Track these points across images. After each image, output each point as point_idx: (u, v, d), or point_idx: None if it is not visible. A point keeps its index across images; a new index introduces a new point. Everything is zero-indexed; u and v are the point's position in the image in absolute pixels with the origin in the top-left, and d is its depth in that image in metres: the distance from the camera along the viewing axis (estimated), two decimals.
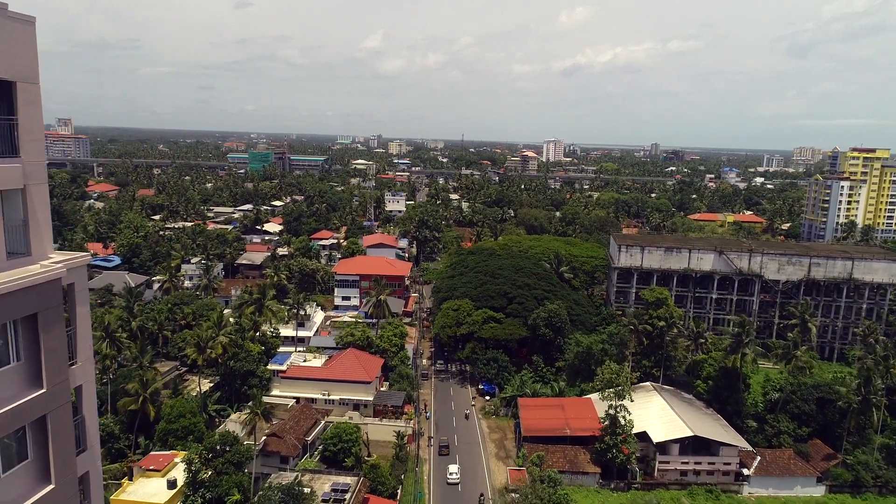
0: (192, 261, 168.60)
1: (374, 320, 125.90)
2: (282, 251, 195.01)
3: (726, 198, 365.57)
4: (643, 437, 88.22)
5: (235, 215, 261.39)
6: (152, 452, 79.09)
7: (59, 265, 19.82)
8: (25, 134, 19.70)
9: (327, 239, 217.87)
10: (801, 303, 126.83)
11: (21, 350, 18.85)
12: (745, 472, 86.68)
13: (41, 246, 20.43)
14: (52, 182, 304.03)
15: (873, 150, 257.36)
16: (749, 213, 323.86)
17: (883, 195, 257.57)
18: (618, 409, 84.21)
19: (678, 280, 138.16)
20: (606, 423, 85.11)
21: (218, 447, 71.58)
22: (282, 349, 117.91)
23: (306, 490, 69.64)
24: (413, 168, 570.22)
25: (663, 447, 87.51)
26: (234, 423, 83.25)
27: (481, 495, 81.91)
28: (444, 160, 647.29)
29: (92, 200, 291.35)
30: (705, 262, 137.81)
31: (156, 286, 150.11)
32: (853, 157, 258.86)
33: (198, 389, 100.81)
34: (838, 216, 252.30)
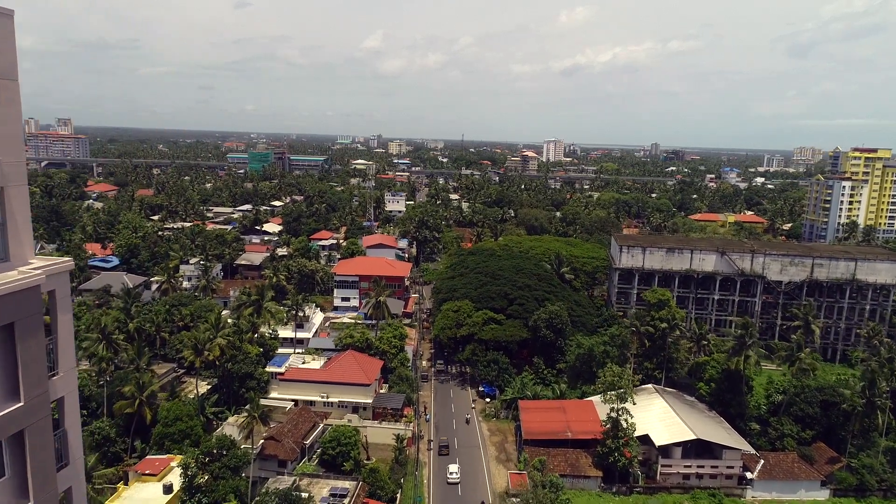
0: (191, 261, 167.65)
1: (374, 321, 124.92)
2: (281, 251, 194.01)
3: (727, 198, 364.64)
4: (645, 440, 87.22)
5: (235, 215, 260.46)
6: (148, 456, 78.13)
7: (38, 271, 18.86)
8: (4, 134, 18.74)
9: (327, 239, 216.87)
10: (804, 304, 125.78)
11: None
12: (749, 475, 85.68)
13: (20, 251, 19.48)
14: (51, 182, 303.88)
15: (875, 151, 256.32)
16: (750, 213, 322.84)
17: (884, 195, 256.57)
18: (620, 412, 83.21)
19: (680, 281, 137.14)
20: (608, 426, 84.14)
21: (215, 451, 70.60)
22: (280, 351, 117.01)
23: (304, 495, 68.76)
24: (413, 168, 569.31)
25: (666, 450, 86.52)
26: (231, 427, 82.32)
27: (482, 503, 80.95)
28: (444, 160, 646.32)
29: (91, 201, 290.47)
30: (707, 262, 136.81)
31: (154, 287, 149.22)
32: (855, 158, 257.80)
33: (195, 392, 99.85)
34: (840, 216, 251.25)
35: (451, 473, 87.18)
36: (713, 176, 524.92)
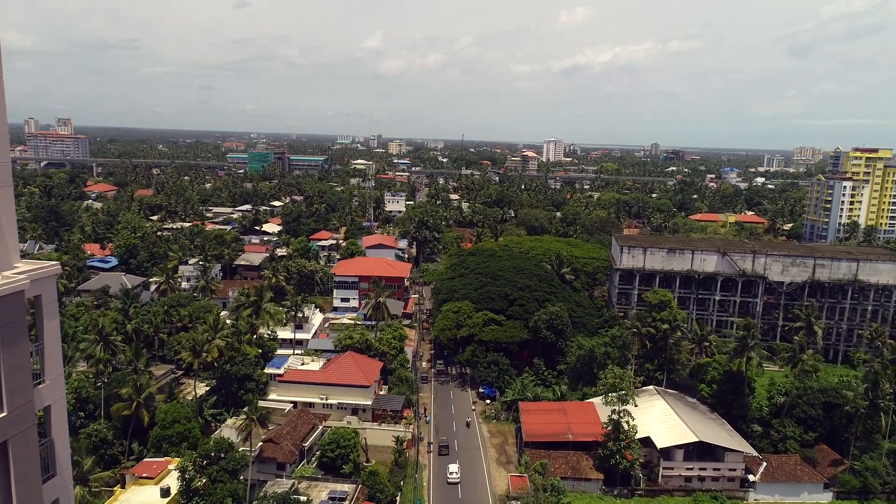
0: (190, 262, 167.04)
1: (373, 322, 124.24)
2: (280, 252, 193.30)
3: (727, 198, 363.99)
4: (647, 442, 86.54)
5: (234, 216, 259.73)
6: (146, 459, 77.48)
7: (23, 276, 18.18)
8: None
9: (326, 240, 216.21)
10: (806, 305, 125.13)
11: None
12: (751, 478, 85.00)
13: (5, 255, 18.82)
14: (51, 182, 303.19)
15: (876, 151, 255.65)
16: (751, 213, 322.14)
17: (885, 196, 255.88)
18: (621, 415, 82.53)
19: (681, 282, 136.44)
20: (609, 428, 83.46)
21: (213, 454, 69.87)
22: (279, 352, 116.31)
23: (303, 498, 68.15)
24: (413, 168, 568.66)
25: (667, 453, 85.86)
26: (229, 429, 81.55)
27: None
28: (444, 160, 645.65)
29: (90, 201, 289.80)
30: (708, 263, 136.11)
31: (153, 287, 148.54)
32: (856, 158, 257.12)
33: (193, 393, 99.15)
34: (841, 217, 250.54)
35: (451, 473, 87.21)
36: (713, 176, 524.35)
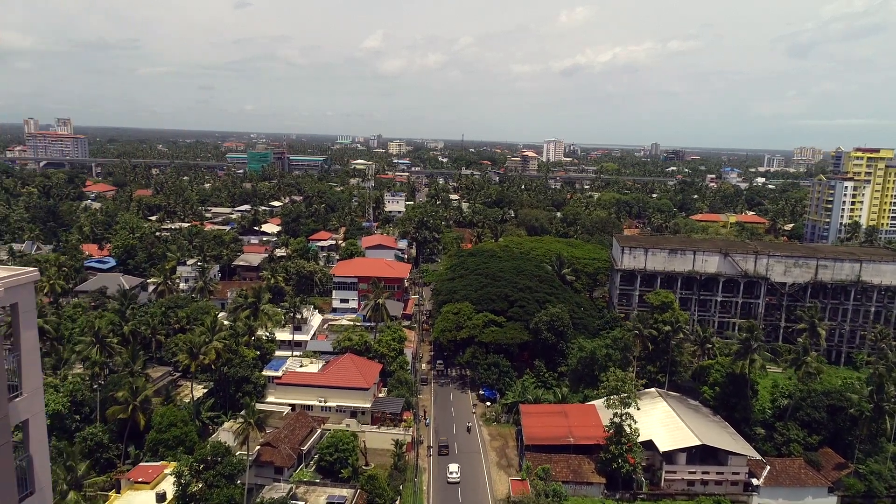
0: (188, 262, 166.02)
1: (373, 324, 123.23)
2: (280, 252, 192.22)
3: (728, 198, 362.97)
4: (649, 445, 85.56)
5: (233, 216, 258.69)
6: (142, 463, 76.43)
7: None
8: None
9: (326, 240, 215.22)
10: (809, 306, 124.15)
11: None
12: (755, 481, 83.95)
13: None
14: (49, 182, 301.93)
15: (877, 151, 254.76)
16: (751, 213, 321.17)
17: (887, 196, 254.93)
18: (623, 418, 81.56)
19: (682, 282, 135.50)
20: (611, 431, 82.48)
21: (209, 458, 68.88)
22: (278, 353, 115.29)
23: (300, 503, 67.05)
24: (413, 168, 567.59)
25: (670, 456, 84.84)
26: (227, 433, 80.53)
27: None
28: (444, 160, 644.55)
29: (89, 201, 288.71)
30: (710, 264, 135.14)
31: (151, 288, 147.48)
32: (857, 158, 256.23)
33: (191, 396, 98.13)
34: (842, 217, 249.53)
35: (451, 473, 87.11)
36: (714, 176, 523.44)
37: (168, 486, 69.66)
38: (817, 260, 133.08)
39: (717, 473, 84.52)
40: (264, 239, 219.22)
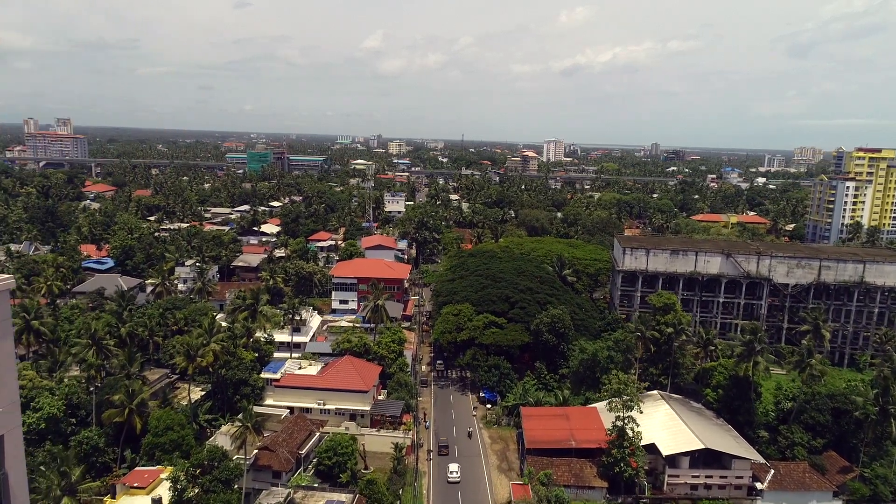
0: (187, 263, 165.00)
1: (372, 325, 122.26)
2: (279, 253, 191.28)
3: (729, 198, 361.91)
4: (651, 449, 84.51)
5: (233, 216, 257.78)
6: (137, 468, 75.43)
7: None
8: None
9: (325, 240, 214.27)
10: (812, 308, 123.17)
11: None
12: (759, 486, 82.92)
13: None
14: (48, 182, 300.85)
15: (879, 151, 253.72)
16: (752, 213, 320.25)
17: (889, 196, 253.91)
18: (626, 421, 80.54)
19: (684, 283, 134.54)
20: (614, 434, 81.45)
21: (205, 463, 67.90)
22: (277, 355, 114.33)
23: None
24: (413, 168, 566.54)
25: (673, 460, 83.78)
26: (224, 436, 79.53)
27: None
28: (444, 160, 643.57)
29: (88, 201, 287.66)
30: (712, 265, 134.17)
31: (149, 289, 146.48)
32: (858, 158, 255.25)
33: (188, 398, 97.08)
34: (843, 217, 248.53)
35: (451, 473, 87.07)
36: (714, 176, 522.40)
37: (164, 491, 68.71)
38: (820, 261, 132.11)
39: (721, 477, 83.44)
40: (263, 239, 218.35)
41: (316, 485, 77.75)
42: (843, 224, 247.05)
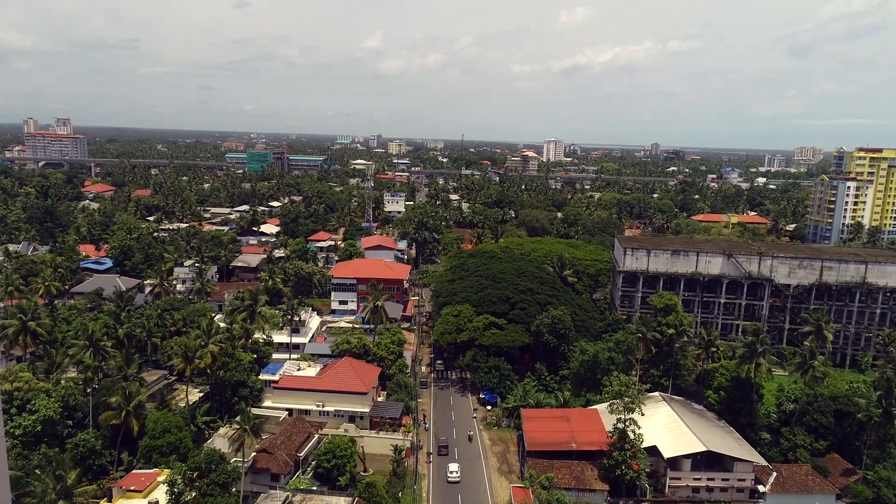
0: (186, 264, 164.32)
1: (372, 326, 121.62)
2: (278, 253, 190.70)
3: (729, 198, 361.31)
4: (653, 451, 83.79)
5: (232, 216, 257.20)
6: (134, 471, 74.74)
7: None
8: None
9: (325, 241, 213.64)
10: (815, 309, 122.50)
11: None
12: (761, 488, 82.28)
13: None
14: (47, 182, 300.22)
15: (880, 151, 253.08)
16: (753, 213, 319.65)
17: (890, 196, 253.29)
18: (627, 423, 79.86)
19: (685, 284, 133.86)
20: (615, 437, 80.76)
21: (203, 466, 67.21)
22: (276, 356, 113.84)
23: None
24: (413, 168, 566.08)
25: (674, 463, 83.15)
26: (222, 439, 78.89)
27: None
28: (444, 160, 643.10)
29: (87, 201, 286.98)
30: (713, 265, 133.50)
31: (147, 290, 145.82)
32: (859, 158, 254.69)
33: (186, 400, 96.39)
34: (844, 217, 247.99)
35: (451, 473, 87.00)
36: (714, 176, 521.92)
37: (161, 495, 68.09)
38: (822, 261, 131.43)
39: (723, 480, 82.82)
40: (263, 240, 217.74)
41: (315, 488, 77.14)
42: (844, 224, 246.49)
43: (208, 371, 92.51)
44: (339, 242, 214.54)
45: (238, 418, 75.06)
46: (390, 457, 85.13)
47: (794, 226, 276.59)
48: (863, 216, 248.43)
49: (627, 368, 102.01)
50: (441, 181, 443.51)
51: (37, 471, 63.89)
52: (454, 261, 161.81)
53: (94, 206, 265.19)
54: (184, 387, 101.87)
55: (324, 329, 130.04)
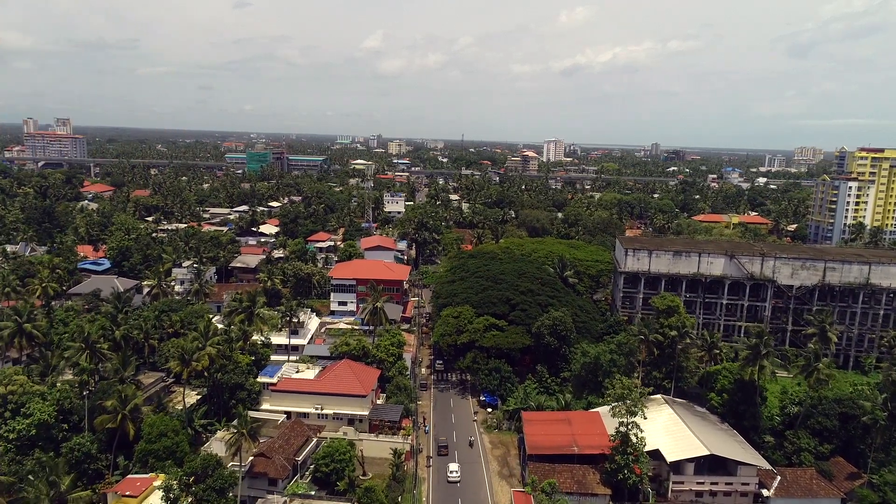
0: (184, 264, 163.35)
1: (371, 328, 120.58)
2: (277, 254, 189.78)
3: (730, 198, 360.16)
4: (655, 454, 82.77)
5: (231, 216, 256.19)
6: (130, 476, 73.70)
7: None
8: None
9: (324, 241, 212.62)
10: (819, 310, 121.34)
11: None
12: (765, 492, 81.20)
13: None
14: (46, 183, 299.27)
15: (882, 151, 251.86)
16: (754, 213, 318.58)
17: (892, 196, 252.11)
18: (629, 427, 78.82)
19: (687, 285, 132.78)
20: (617, 440, 79.73)
21: (199, 471, 66.17)
22: (275, 357, 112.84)
23: None
24: (413, 168, 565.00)
25: (677, 466, 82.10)
26: (219, 443, 77.87)
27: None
28: (444, 160, 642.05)
29: (86, 202, 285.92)
30: (715, 266, 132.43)
31: (145, 291, 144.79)
32: (861, 158, 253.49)
33: (183, 403, 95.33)
34: (846, 217, 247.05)
35: (451, 473, 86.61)
36: (715, 176, 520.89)
37: (156, 500, 66.99)
38: (825, 262, 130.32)
39: (727, 484, 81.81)
40: (262, 240, 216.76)
41: (313, 493, 76.14)
42: (845, 224, 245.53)
43: (206, 373, 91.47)
44: (338, 243, 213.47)
45: (235, 422, 74.02)
46: (390, 460, 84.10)
47: (795, 226, 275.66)
48: (864, 216, 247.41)
49: (629, 370, 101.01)
50: (441, 181, 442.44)
51: (30, 476, 62.79)
52: (454, 261, 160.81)
53: (93, 206, 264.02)
54: (181, 389, 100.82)
55: (323, 331, 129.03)
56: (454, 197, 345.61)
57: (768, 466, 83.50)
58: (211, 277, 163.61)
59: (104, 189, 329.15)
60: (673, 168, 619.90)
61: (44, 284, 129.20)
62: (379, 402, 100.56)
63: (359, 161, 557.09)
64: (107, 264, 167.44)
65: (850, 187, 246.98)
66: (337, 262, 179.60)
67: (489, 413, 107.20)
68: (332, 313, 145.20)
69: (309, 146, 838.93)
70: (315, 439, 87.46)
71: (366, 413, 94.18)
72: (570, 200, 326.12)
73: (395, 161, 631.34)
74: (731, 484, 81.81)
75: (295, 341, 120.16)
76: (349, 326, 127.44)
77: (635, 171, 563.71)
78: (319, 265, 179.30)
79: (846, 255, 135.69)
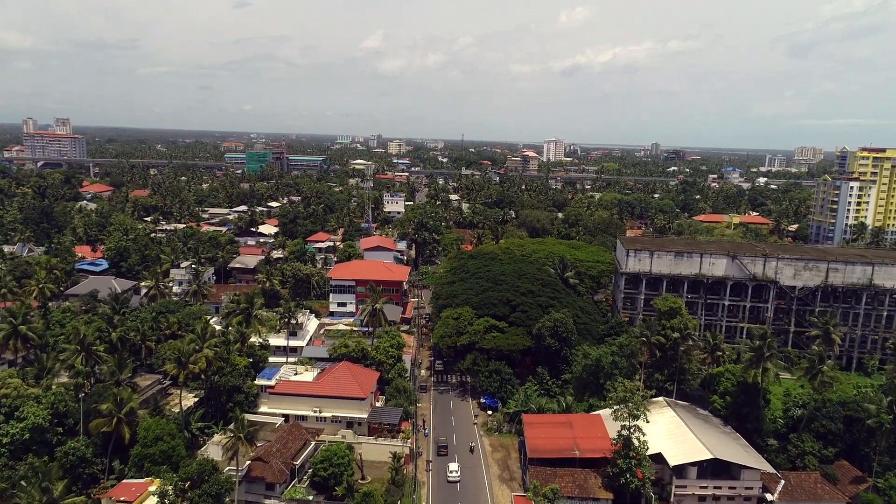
0: (183, 265, 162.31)
1: (370, 329, 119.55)
2: (276, 254, 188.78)
3: (731, 198, 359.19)
4: (658, 458, 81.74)
5: (231, 217, 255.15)
6: (125, 480, 72.68)
7: None
8: None
9: (323, 241, 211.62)
10: (822, 312, 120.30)
11: None
12: (769, 497, 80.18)
13: None
14: (45, 183, 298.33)
15: (883, 150, 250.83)
16: (755, 213, 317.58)
17: (893, 196, 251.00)
18: (632, 430, 77.79)
19: (689, 286, 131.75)
20: (619, 444, 78.70)
21: (195, 476, 65.17)
22: (273, 359, 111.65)
23: None
24: (412, 168, 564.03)
25: (680, 470, 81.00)
26: (215, 446, 76.82)
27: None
28: (444, 160, 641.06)
29: (85, 202, 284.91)
30: (717, 267, 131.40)
31: (143, 292, 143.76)
32: (863, 157, 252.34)
33: (180, 406, 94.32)
34: (847, 217, 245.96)
35: (451, 472, 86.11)
36: (715, 176, 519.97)
37: None
38: (828, 263, 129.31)
39: (730, 488, 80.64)
40: (261, 240, 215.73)
41: (311, 497, 75.17)
42: (846, 225, 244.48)
43: (203, 376, 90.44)
44: (337, 243, 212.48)
45: (232, 426, 73.00)
46: (389, 464, 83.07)
47: (796, 226, 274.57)
48: (866, 216, 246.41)
49: (631, 373, 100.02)
50: (441, 181, 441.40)
51: (22, 482, 61.82)
52: (454, 262, 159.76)
53: (92, 206, 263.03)
54: (178, 392, 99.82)
55: (322, 332, 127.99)
56: (454, 197, 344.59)
57: (772, 470, 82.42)
58: (209, 278, 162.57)
59: (103, 189, 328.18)
60: (673, 168, 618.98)
61: (41, 285, 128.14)
62: (378, 404, 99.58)
63: (358, 161, 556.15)
64: (105, 265, 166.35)
65: (852, 187, 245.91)
66: (336, 262, 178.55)
67: (489, 415, 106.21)
68: (331, 314, 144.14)
69: (309, 146, 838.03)
70: (313, 443, 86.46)
71: (365, 416, 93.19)
72: (571, 200, 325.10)
73: (395, 161, 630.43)
74: (734, 488, 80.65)
75: (293, 343, 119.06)
76: (348, 328, 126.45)
77: (635, 171, 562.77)
78: (318, 266, 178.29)
79: (849, 256, 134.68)
